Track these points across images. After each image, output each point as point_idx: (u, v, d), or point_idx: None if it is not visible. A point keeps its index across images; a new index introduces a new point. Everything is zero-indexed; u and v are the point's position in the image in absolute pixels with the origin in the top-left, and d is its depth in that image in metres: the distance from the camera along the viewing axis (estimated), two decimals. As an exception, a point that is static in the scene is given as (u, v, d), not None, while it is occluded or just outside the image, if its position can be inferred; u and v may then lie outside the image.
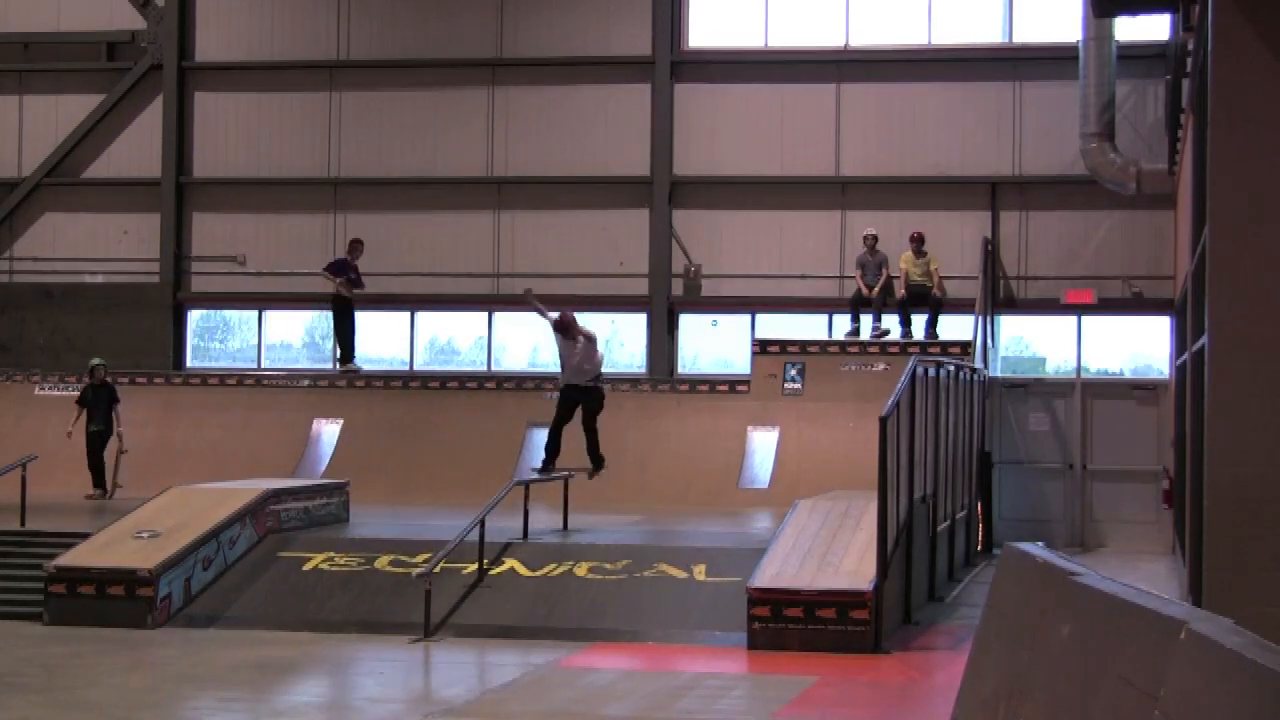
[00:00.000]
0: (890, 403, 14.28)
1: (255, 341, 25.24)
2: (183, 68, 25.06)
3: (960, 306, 22.18)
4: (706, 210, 23.77)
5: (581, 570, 15.01)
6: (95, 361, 21.29)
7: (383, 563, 15.36)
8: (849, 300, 22.58)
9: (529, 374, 23.86)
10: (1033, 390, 22.57)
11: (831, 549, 14.25)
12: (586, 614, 14.26)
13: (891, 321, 22.29)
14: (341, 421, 22.72)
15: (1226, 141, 10.74)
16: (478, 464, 21.30)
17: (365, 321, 25.29)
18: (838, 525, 14.85)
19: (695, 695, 11.53)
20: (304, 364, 25.00)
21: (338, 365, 23.68)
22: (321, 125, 24.77)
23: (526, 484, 16.73)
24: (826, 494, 16.86)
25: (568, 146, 24.03)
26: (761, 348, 22.11)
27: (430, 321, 24.91)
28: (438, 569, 14.31)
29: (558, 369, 18.47)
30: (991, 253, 22.62)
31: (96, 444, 20.76)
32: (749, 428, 21.54)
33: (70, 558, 14.90)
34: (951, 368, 18.24)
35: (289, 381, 23.54)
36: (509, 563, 15.24)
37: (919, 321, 22.09)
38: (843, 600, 13.23)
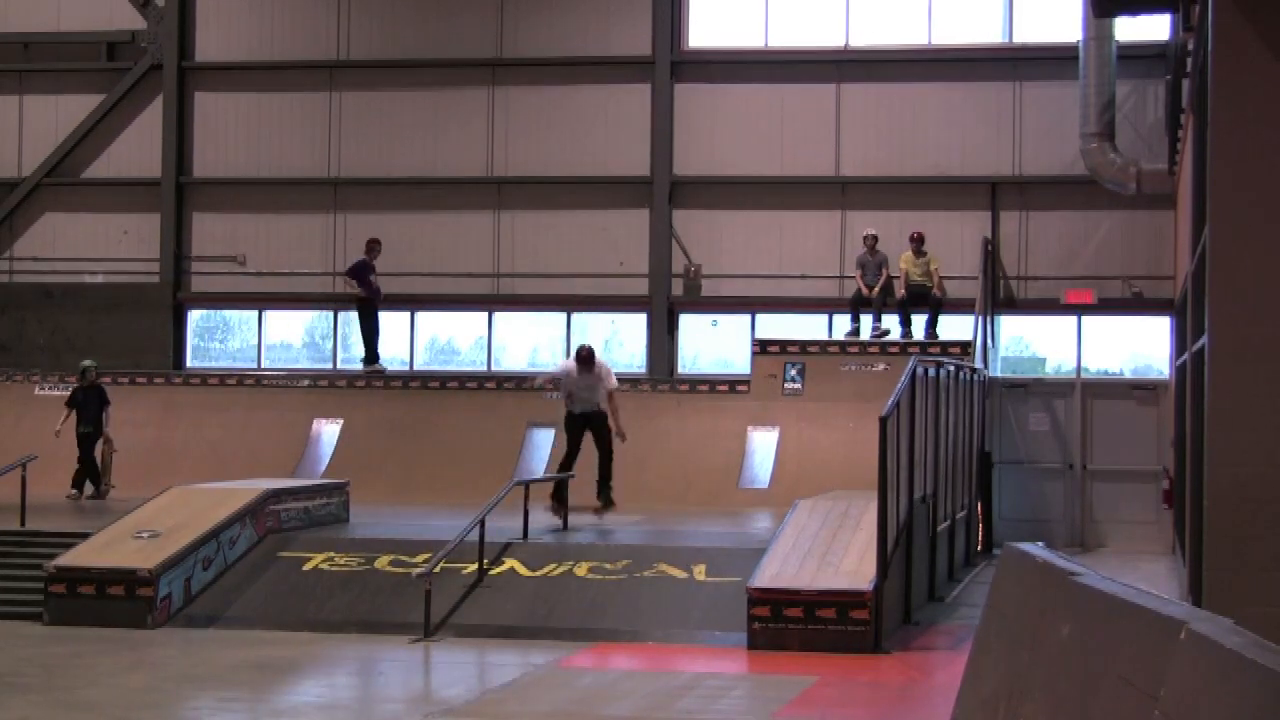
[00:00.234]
0: (890, 403, 14.28)
1: (255, 341, 25.25)
2: (183, 68, 25.07)
3: (960, 306, 22.18)
4: (706, 210, 23.77)
5: (581, 570, 15.01)
6: (87, 363, 21.26)
7: (383, 563, 15.36)
8: (849, 300, 22.58)
9: (529, 374, 23.85)
10: (1033, 390, 22.57)
11: (831, 549, 14.25)
12: (586, 614, 14.26)
13: (891, 321, 22.29)
14: (341, 421, 22.72)
15: (1227, 141, 10.74)
16: (478, 464, 21.30)
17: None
18: (838, 525, 14.85)
19: (695, 695, 11.53)
20: (304, 364, 25.00)
21: (363, 365, 23.57)
22: (321, 125, 24.77)
23: (526, 484, 16.74)
24: (826, 494, 16.85)
25: (568, 146, 24.03)
26: (761, 348, 22.11)
27: (430, 321, 24.91)
28: (438, 569, 14.30)
29: (559, 395, 18.75)
30: (991, 253, 22.62)
31: (85, 445, 20.70)
32: (749, 428, 21.54)
33: (70, 558, 14.90)
34: (951, 368, 18.24)
35: (289, 381, 23.54)
36: (509, 563, 15.24)
37: (919, 321, 22.10)
38: (843, 600, 13.23)
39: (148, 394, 23.42)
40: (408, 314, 24.59)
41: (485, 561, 15.02)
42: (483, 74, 24.35)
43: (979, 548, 20.37)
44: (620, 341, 24.47)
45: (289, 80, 24.92)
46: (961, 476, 18.85)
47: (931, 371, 16.78)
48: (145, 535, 15.20)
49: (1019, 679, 6.93)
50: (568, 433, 18.82)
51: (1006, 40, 23.25)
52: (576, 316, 24.34)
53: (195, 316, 25.58)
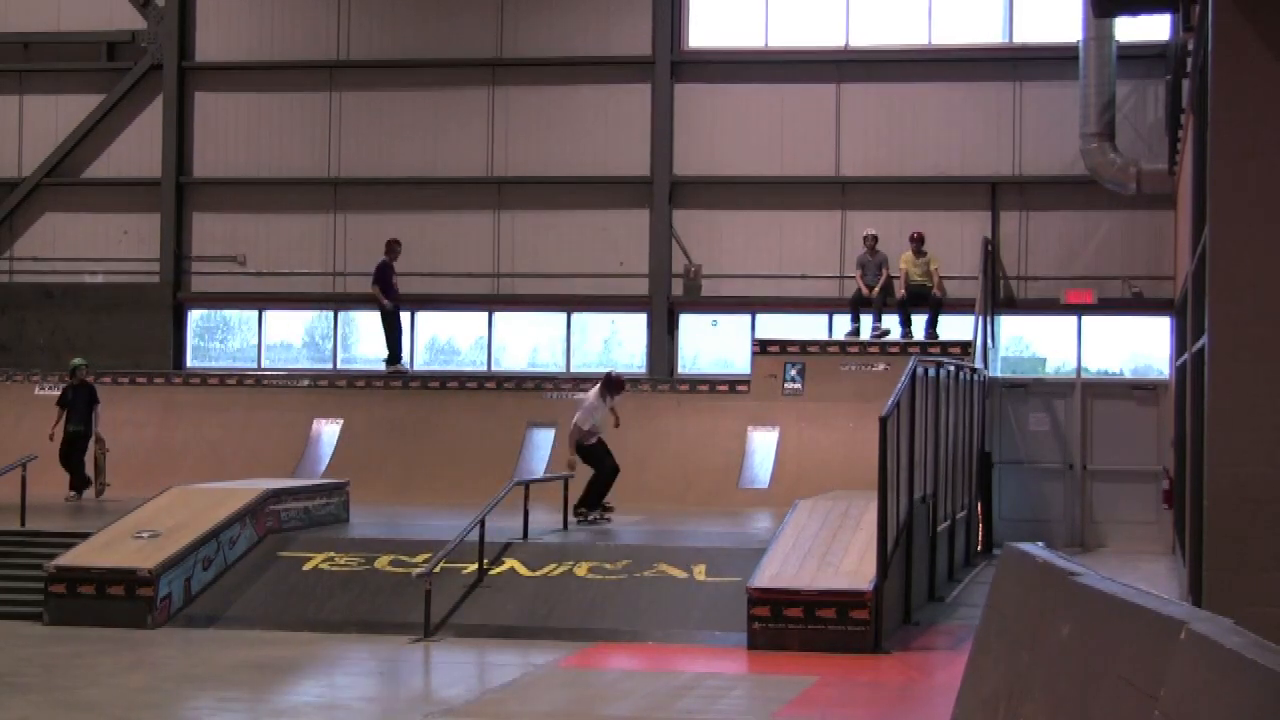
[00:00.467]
0: (890, 403, 14.28)
1: (255, 341, 25.25)
2: (183, 68, 25.07)
3: (960, 306, 22.18)
4: (706, 210, 23.77)
5: (581, 570, 15.01)
6: (77, 362, 21.22)
7: (383, 563, 15.36)
8: (849, 300, 22.58)
9: (529, 374, 23.87)
10: (1033, 390, 22.56)
11: (831, 549, 14.25)
12: (586, 614, 14.26)
13: (891, 321, 22.29)
14: (341, 421, 22.72)
15: (1227, 141, 10.74)
16: (478, 464, 21.31)
17: (364, 322, 25.35)
18: (838, 525, 14.85)
19: (695, 695, 11.53)
20: (304, 364, 25.00)
21: (385, 365, 23.51)
22: (321, 125, 24.77)
23: (526, 484, 16.73)
24: (826, 494, 16.86)
25: (568, 146, 24.03)
26: (761, 348, 22.11)
27: (430, 321, 24.90)
28: (438, 569, 14.30)
29: (582, 412, 18.11)
30: (991, 253, 22.62)
31: (76, 444, 20.61)
32: (749, 428, 21.54)
33: (70, 558, 14.90)
34: (951, 368, 18.23)
35: (289, 381, 23.54)
36: (509, 563, 15.24)
37: (919, 321, 22.10)
38: (843, 600, 13.23)
39: (148, 394, 23.42)
40: (408, 314, 24.57)
41: (485, 561, 15.03)
42: (483, 74, 24.35)
43: (979, 548, 20.37)
44: (620, 341, 24.48)
45: (289, 80, 24.92)
46: (961, 476, 18.85)
47: (931, 371, 16.78)
48: (145, 535, 15.20)
49: (1019, 679, 6.93)
50: (601, 455, 17.95)
51: (1006, 40, 23.25)
52: (576, 316, 24.35)
53: (195, 316, 25.58)
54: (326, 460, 22.23)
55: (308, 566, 15.48)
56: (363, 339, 25.49)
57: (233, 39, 25.15)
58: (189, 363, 25.21)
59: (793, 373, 21.71)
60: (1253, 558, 10.34)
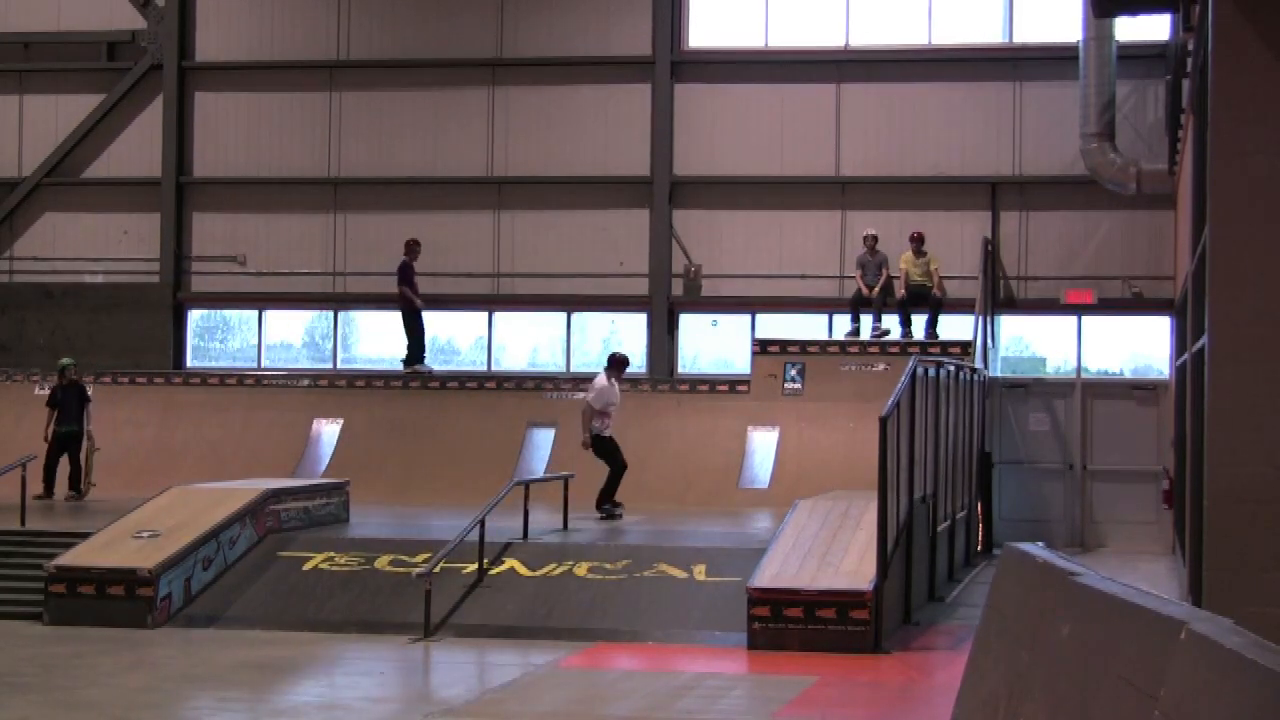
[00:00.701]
0: (890, 403, 14.27)
1: (255, 341, 25.25)
2: (183, 67, 25.07)
3: (960, 306, 22.18)
4: (706, 210, 23.77)
5: (581, 570, 15.01)
6: (65, 361, 21.12)
7: (383, 563, 15.36)
8: (849, 300, 22.58)
9: (529, 374, 23.87)
10: (1033, 390, 22.56)
11: (831, 549, 14.25)
12: (586, 614, 14.26)
13: (891, 321, 22.29)
14: (341, 421, 22.72)
15: (1227, 141, 10.74)
16: (478, 464, 21.30)
17: (365, 322, 25.36)
18: (838, 525, 14.85)
19: (695, 695, 11.53)
20: (304, 364, 25.00)
21: (403, 365, 23.43)
22: (321, 125, 24.77)
23: (526, 484, 16.74)
24: (826, 494, 16.86)
25: (568, 146, 24.04)
26: (761, 348, 22.11)
27: (430, 321, 24.87)
28: (438, 569, 14.30)
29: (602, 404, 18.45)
30: (991, 253, 22.62)
31: (68, 444, 20.49)
32: (749, 428, 21.54)
33: (70, 557, 14.90)
34: (951, 368, 18.23)
35: (289, 381, 23.53)
36: (509, 563, 15.24)
37: (919, 321, 22.10)
38: (843, 600, 13.23)
39: (148, 394, 23.42)
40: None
41: (485, 561, 15.02)
42: (483, 74, 24.36)
43: (979, 548, 20.37)
44: (620, 341, 24.45)
45: (289, 80, 24.92)
46: (961, 476, 18.84)
47: (931, 371, 16.78)
48: (145, 535, 15.20)
49: (1019, 679, 6.93)
50: (613, 450, 18.38)
51: (1006, 40, 23.25)
52: (576, 316, 24.35)
53: (195, 316, 25.58)
54: (326, 460, 22.22)
55: (308, 566, 15.48)
56: (363, 339, 25.50)
57: (233, 39, 25.15)
58: (189, 363, 25.21)
59: (793, 373, 21.71)
60: (1253, 558, 10.34)
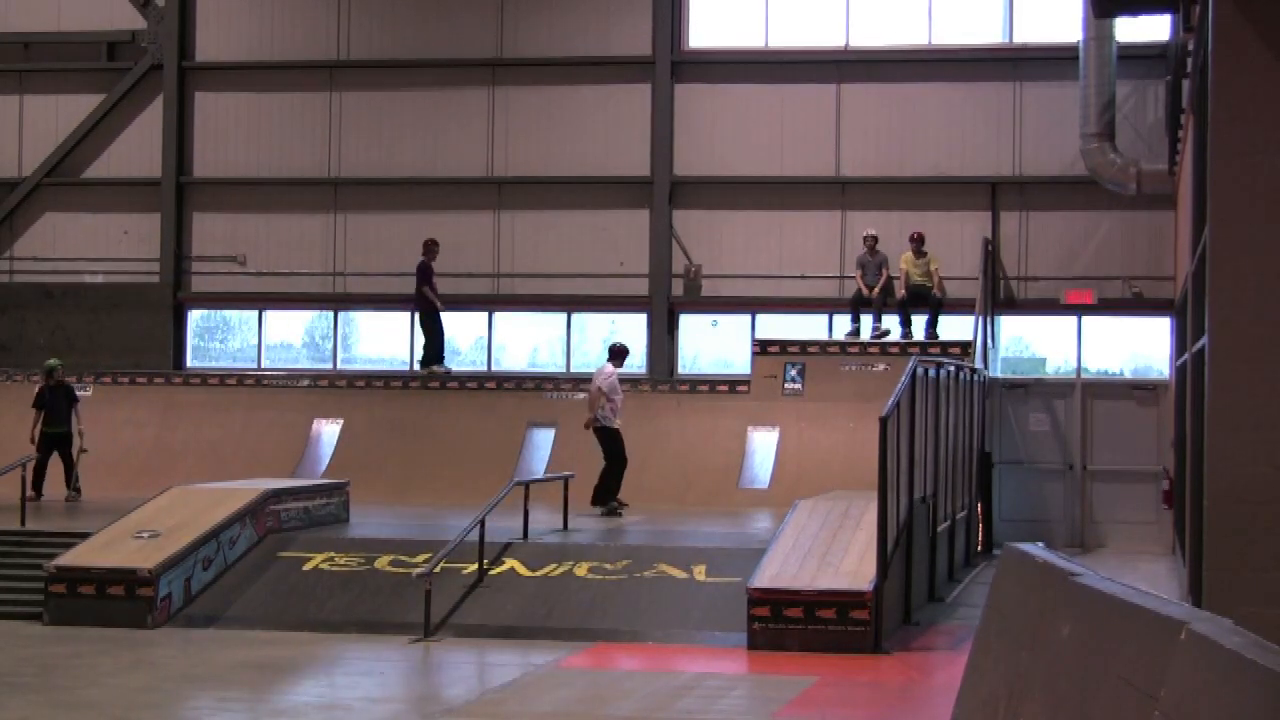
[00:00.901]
0: (890, 403, 14.27)
1: (255, 341, 25.25)
2: (183, 67, 25.07)
3: (960, 307, 22.18)
4: (706, 210, 23.77)
5: (581, 570, 15.01)
6: (53, 363, 20.96)
7: (383, 563, 15.36)
8: (849, 300, 22.58)
9: (529, 374, 23.86)
10: (1033, 390, 22.56)
11: (831, 549, 14.25)
12: (586, 614, 14.26)
13: (891, 322, 22.29)
14: (341, 421, 22.72)
15: (1227, 141, 10.74)
16: (478, 464, 21.31)
17: (365, 322, 25.36)
18: (838, 525, 14.85)
19: (695, 695, 11.53)
20: (304, 364, 25.00)
21: (419, 366, 23.31)
22: (321, 125, 24.77)
23: (526, 484, 16.74)
24: (826, 494, 16.86)
25: (568, 146, 24.04)
26: (761, 348, 22.10)
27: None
28: (438, 569, 14.30)
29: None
30: (991, 253, 22.62)
31: (58, 445, 20.30)
32: (749, 428, 21.54)
33: (70, 557, 14.90)
34: (951, 368, 18.23)
35: (289, 381, 23.53)
36: (509, 563, 15.24)
37: (919, 322, 22.10)
38: (843, 600, 13.23)
39: (148, 394, 23.42)
40: (408, 314, 24.58)
41: (485, 561, 15.03)
42: (483, 74, 24.36)
43: (979, 548, 20.37)
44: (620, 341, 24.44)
45: (289, 80, 24.92)
46: (961, 477, 18.84)
47: (932, 372, 16.78)
48: (145, 535, 15.20)
49: (1019, 679, 6.93)
50: (618, 443, 18.81)
51: (1006, 40, 23.25)
52: (576, 316, 24.35)
53: (195, 316, 25.58)
54: (326, 460, 22.22)
55: (308, 566, 15.48)
56: (363, 339, 25.51)
57: (233, 39, 25.15)
58: (189, 363, 25.21)
59: (793, 373, 21.70)
60: (1253, 558, 10.34)
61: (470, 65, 24.36)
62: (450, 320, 24.40)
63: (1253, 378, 10.50)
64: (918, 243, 22.15)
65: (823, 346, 21.99)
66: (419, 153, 24.47)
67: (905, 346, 21.33)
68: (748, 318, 23.75)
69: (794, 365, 21.74)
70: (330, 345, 25.06)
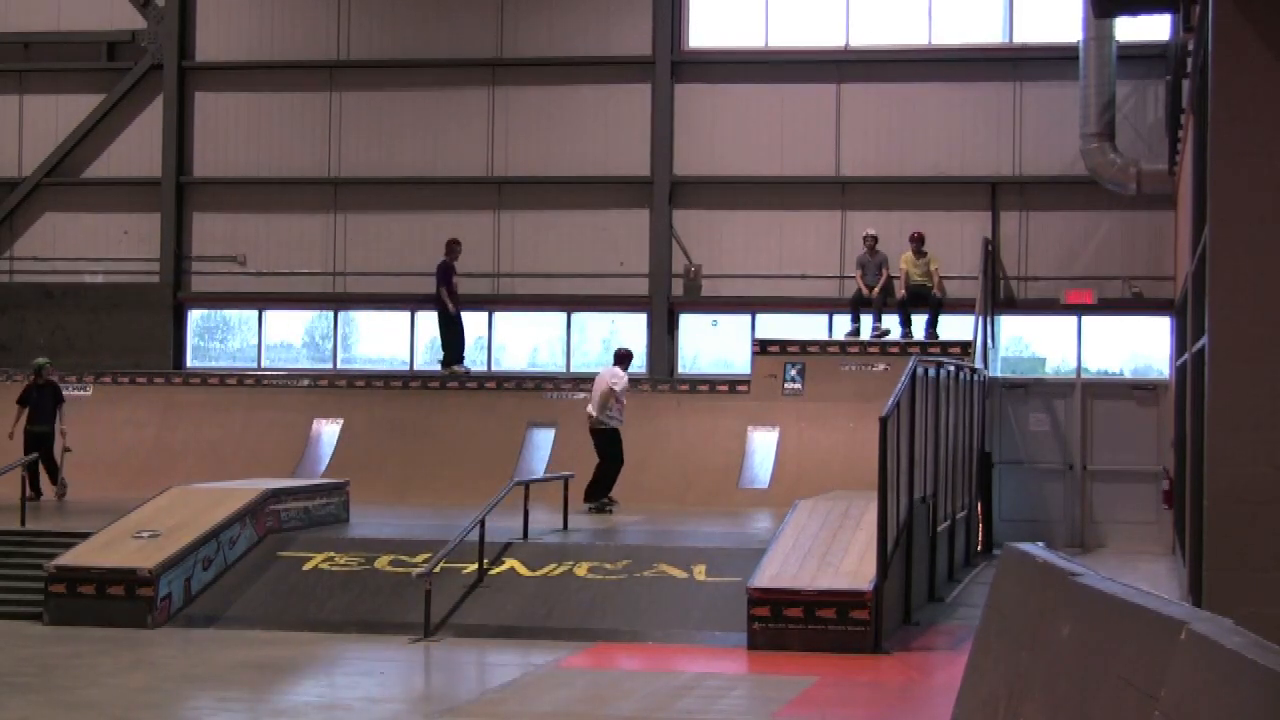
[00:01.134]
0: (890, 403, 14.27)
1: (255, 341, 25.25)
2: (183, 67, 25.07)
3: (960, 306, 22.18)
4: (706, 210, 23.77)
5: (581, 570, 15.01)
6: (41, 361, 20.88)
7: (383, 563, 15.36)
8: (849, 300, 22.58)
9: (529, 374, 23.86)
10: (1033, 390, 22.56)
11: (831, 549, 14.25)
12: (586, 614, 14.26)
13: (892, 322, 22.29)
14: (341, 421, 22.72)
15: (1227, 141, 10.74)
16: (478, 464, 21.30)
17: (364, 321, 25.36)
18: (838, 525, 14.85)
19: (695, 695, 11.53)
20: (304, 364, 25.00)
21: (440, 366, 23.27)
22: (321, 125, 24.77)
23: (526, 484, 16.74)
24: (826, 494, 16.85)
25: (568, 146, 24.03)
26: (761, 348, 22.10)
27: (430, 322, 24.86)
28: (438, 569, 14.30)
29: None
30: (991, 253, 22.62)
31: (41, 445, 20.19)
32: (749, 428, 21.54)
33: (70, 557, 14.90)
34: (951, 368, 18.23)
35: (289, 381, 23.53)
36: (509, 562, 15.24)
37: (919, 322, 22.10)
38: (843, 600, 13.22)
39: (148, 394, 23.41)
40: (408, 314, 24.60)
41: (485, 561, 15.02)
42: (483, 74, 24.36)
43: (979, 548, 20.36)
44: (620, 341, 24.45)
45: (289, 80, 24.92)
46: (961, 477, 18.84)
47: (931, 372, 16.78)
48: (145, 535, 15.20)
49: (1019, 679, 6.93)
50: (616, 443, 19.13)
51: (1006, 40, 23.25)
52: (576, 316, 24.35)
53: (195, 316, 25.58)
54: (326, 460, 22.22)
55: (308, 566, 15.48)
56: (363, 339, 25.51)
57: (233, 39, 25.15)
58: (189, 363, 25.20)
59: (793, 373, 21.70)
60: (1253, 558, 10.34)
61: (470, 65, 24.36)
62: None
63: (1253, 378, 10.50)
64: (918, 243, 22.15)
65: (823, 346, 21.99)
66: (419, 153, 24.47)
67: (905, 346, 21.33)
68: (748, 318, 23.75)
69: (794, 365, 21.74)
70: (330, 345, 25.06)
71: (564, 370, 23.97)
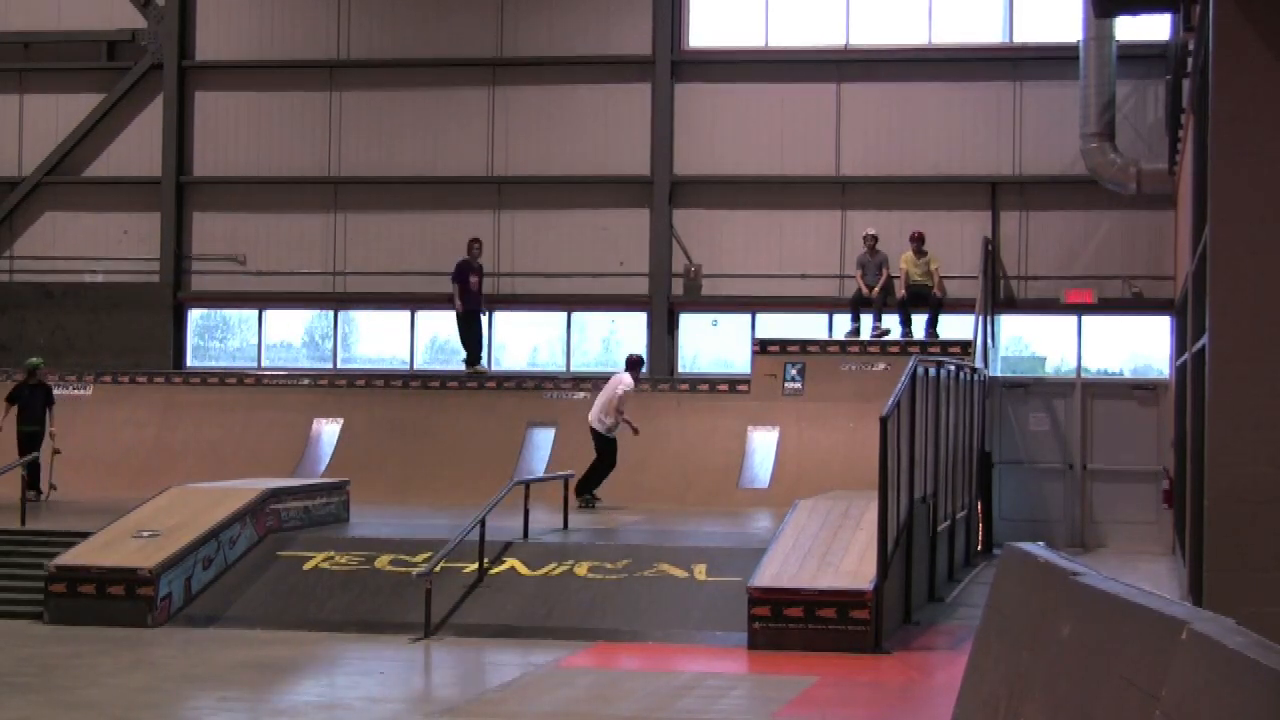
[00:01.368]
0: (891, 403, 14.27)
1: (255, 341, 25.25)
2: (183, 67, 25.07)
3: (960, 306, 22.18)
4: (706, 210, 23.77)
5: (582, 570, 15.01)
6: (35, 361, 20.79)
7: (383, 562, 15.36)
8: (849, 300, 22.58)
9: (529, 374, 23.85)
10: (1033, 390, 22.56)
11: (832, 549, 14.25)
12: (587, 614, 14.26)
13: (892, 321, 22.29)
14: (341, 421, 22.71)
15: (1228, 141, 10.74)
16: (478, 464, 21.30)
17: (364, 321, 25.35)
18: (838, 525, 14.85)
19: (695, 695, 11.53)
20: (304, 364, 25.00)
21: (465, 366, 23.30)
22: (322, 125, 24.77)
23: (526, 484, 16.74)
24: (826, 494, 16.85)
25: (568, 146, 24.03)
26: (761, 347, 22.10)
27: (430, 321, 24.88)
28: (438, 568, 14.30)
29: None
30: (991, 253, 22.62)
31: (31, 444, 20.08)
32: (749, 428, 21.54)
33: (70, 557, 14.90)
34: (952, 368, 18.23)
35: (289, 381, 23.52)
36: (509, 562, 15.24)
37: (919, 321, 22.10)
38: (843, 600, 13.22)
39: (148, 394, 23.41)
40: (408, 314, 24.60)
41: (485, 561, 15.02)
42: (483, 74, 24.35)
43: (979, 548, 20.37)
44: (619, 341, 24.46)
45: (289, 79, 24.92)
46: (962, 476, 18.84)
47: (932, 371, 16.77)
48: (145, 535, 15.20)
49: (1020, 679, 6.93)
50: (615, 452, 19.69)
51: (1006, 40, 23.25)
52: (576, 316, 24.35)
53: (195, 316, 25.58)
54: (326, 460, 22.22)
55: (308, 566, 15.47)
56: (363, 339, 25.50)
57: (233, 38, 25.15)
58: (189, 362, 25.20)
59: (793, 372, 21.70)
60: (1253, 558, 10.34)
61: (470, 65, 24.36)
62: (449, 320, 24.37)
63: (1253, 377, 10.50)
64: (918, 242, 22.15)
65: (823, 346, 21.98)
66: (419, 152, 24.47)
67: (905, 346, 21.33)
68: (748, 317, 23.74)
69: (794, 365, 21.74)
70: (330, 345, 25.06)
71: (564, 370, 23.96)
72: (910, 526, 14.98)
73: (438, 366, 24.45)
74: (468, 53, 24.37)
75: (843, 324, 22.78)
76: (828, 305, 23.27)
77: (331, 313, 25.06)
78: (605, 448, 19.46)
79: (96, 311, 25.09)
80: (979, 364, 20.90)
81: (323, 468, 21.94)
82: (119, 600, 14.49)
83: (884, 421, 13.84)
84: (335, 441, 22.52)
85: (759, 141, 23.57)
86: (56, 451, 20.20)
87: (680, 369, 23.77)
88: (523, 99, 24.23)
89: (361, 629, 14.20)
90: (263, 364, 24.92)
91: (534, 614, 14.30)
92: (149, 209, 25.16)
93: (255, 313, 25.27)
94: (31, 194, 25.53)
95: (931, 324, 22.02)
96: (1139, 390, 22.41)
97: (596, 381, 21.03)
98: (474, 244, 23.04)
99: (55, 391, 21.26)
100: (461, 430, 22.21)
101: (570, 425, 21.16)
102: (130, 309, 25.01)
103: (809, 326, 23.24)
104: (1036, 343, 23.95)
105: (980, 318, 21.54)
